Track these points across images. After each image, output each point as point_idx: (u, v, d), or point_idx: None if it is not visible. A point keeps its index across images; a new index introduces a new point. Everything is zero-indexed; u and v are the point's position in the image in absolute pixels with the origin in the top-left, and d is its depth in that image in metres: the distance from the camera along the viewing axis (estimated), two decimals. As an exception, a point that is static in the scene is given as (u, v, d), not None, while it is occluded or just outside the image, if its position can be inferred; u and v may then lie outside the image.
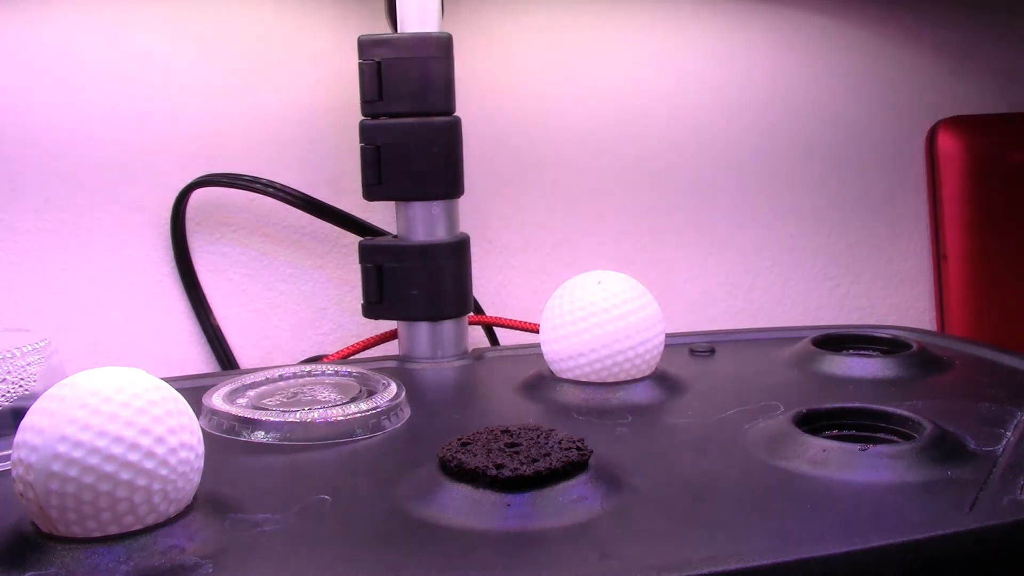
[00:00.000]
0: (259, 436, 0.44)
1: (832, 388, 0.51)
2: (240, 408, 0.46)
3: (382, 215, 0.66)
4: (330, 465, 0.42)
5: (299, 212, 0.65)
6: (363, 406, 0.46)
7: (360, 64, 0.57)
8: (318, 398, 0.48)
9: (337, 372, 0.52)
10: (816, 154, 0.76)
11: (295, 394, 0.49)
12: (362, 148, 0.57)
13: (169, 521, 0.34)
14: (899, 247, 0.79)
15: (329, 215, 0.64)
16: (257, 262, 0.66)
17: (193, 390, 0.47)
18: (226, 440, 0.44)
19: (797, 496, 0.36)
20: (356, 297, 0.64)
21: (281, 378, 0.52)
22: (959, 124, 0.77)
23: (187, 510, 0.35)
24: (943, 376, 0.52)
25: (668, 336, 0.55)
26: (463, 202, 0.62)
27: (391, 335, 0.63)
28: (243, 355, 0.66)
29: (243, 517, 0.36)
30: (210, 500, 0.37)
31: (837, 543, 0.32)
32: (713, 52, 0.73)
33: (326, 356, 0.63)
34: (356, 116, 0.58)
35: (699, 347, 0.59)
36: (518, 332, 0.65)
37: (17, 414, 0.40)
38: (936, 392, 0.49)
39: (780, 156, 0.76)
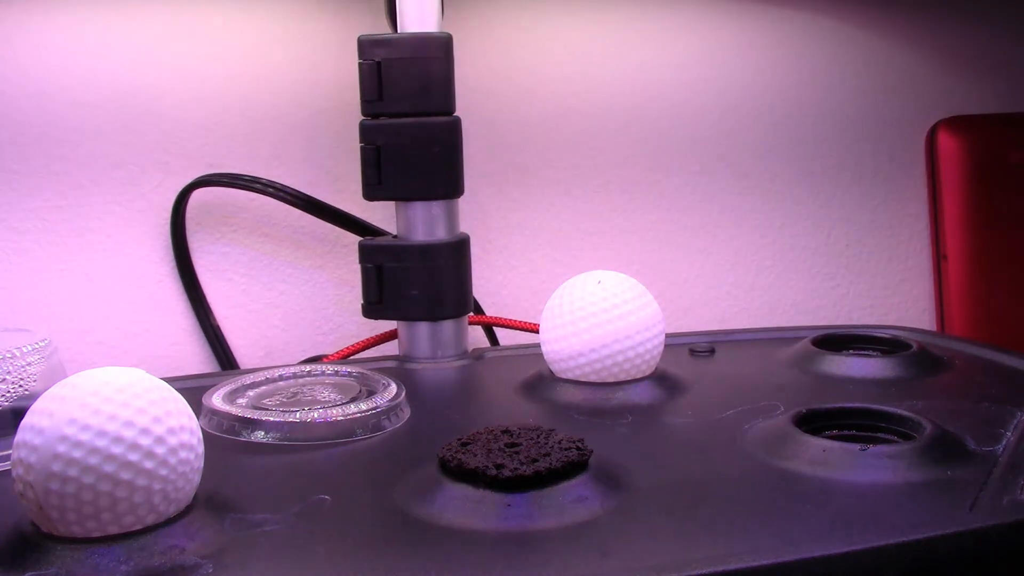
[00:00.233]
0: (259, 436, 0.44)
1: (832, 388, 0.51)
2: (240, 408, 0.46)
3: (382, 215, 0.66)
4: (330, 465, 0.42)
5: (299, 212, 0.65)
6: (363, 406, 0.46)
7: (360, 64, 0.57)
8: (318, 398, 0.48)
9: (337, 372, 0.52)
10: (816, 154, 0.76)
11: (295, 394, 0.49)
12: (362, 148, 0.57)
13: (169, 521, 0.34)
14: (899, 247, 0.79)
15: (329, 215, 0.64)
16: (257, 262, 0.66)
17: (193, 390, 0.47)
18: (226, 440, 0.44)
19: (797, 496, 0.36)
20: (356, 297, 0.64)
21: (281, 378, 0.52)
22: (959, 124, 0.77)
23: (187, 510, 0.35)
24: (943, 376, 0.52)
25: (668, 336, 0.55)
26: (463, 202, 0.62)
27: (391, 335, 0.63)
28: (243, 355, 0.66)
29: (243, 517, 0.36)
30: (210, 500, 0.37)
31: (837, 543, 0.32)
32: (713, 52, 0.73)
33: (326, 356, 0.63)
34: (356, 116, 0.58)
35: (699, 347, 0.59)
36: (518, 332, 0.65)
37: (17, 414, 0.40)
38: (936, 392, 0.49)
39: (780, 156, 0.76)
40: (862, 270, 0.78)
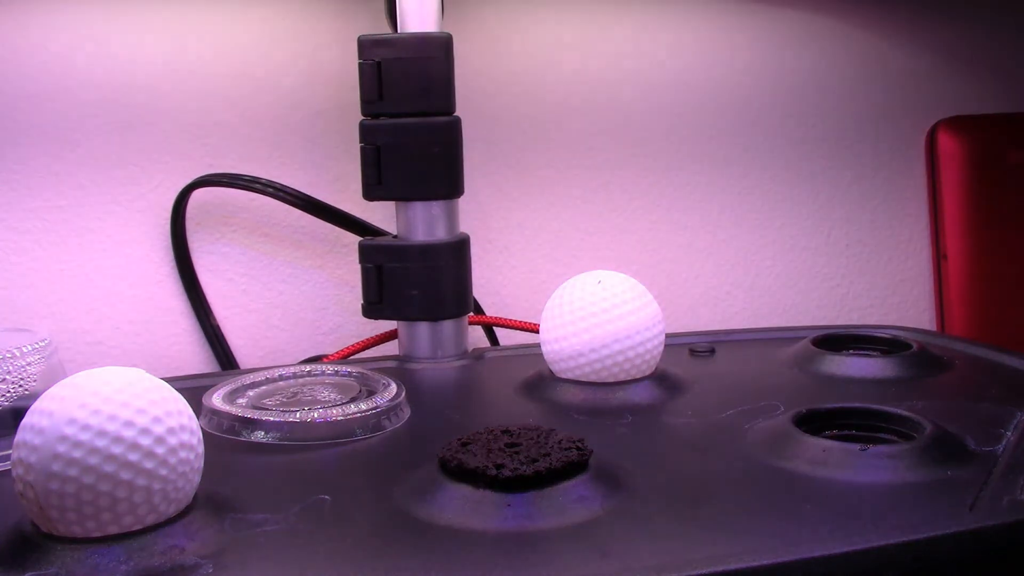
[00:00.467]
0: (259, 436, 0.44)
1: (832, 388, 0.51)
2: (240, 408, 0.46)
3: (382, 215, 0.66)
4: (330, 465, 0.42)
5: (299, 212, 0.65)
6: (363, 406, 0.46)
7: (360, 64, 0.57)
8: (318, 398, 0.48)
9: (337, 372, 0.52)
10: (816, 154, 0.76)
11: (295, 394, 0.49)
12: (362, 148, 0.57)
13: (169, 521, 0.34)
14: (899, 247, 0.79)
15: (329, 215, 0.64)
16: (257, 262, 0.66)
17: (193, 390, 0.47)
18: (226, 440, 0.44)
19: (797, 496, 0.36)
20: (356, 297, 0.64)
21: (281, 378, 0.52)
22: (959, 124, 0.77)
23: (187, 510, 0.35)
24: (943, 376, 0.52)
25: (668, 336, 0.55)
26: (463, 202, 0.62)
27: (391, 335, 0.63)
28: (243, 355, 0.66)
29: (243, 517, 0.36)
30: (210, 500, 0.37)
31: (837, 543, 0.32)
32: (713, 52, 0.73)
33: (326, 356, 0.63)
34: (356, 116, 0.58)
35: (699, 347, 0.59)
36: (518, 332, 0.65)
37: (17, 414, 0.40)
38: (936, 392, 0.49)
39: (780, 156, 0.76)
40: (862, 270, 0.78)
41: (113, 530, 0.33)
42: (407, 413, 0.48)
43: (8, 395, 0.44)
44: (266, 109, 0.65)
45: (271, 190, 0.63)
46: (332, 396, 0.48)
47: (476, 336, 0.67)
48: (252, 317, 0.67)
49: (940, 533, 0.33)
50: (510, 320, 0.65)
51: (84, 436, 0.33)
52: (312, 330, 0.68)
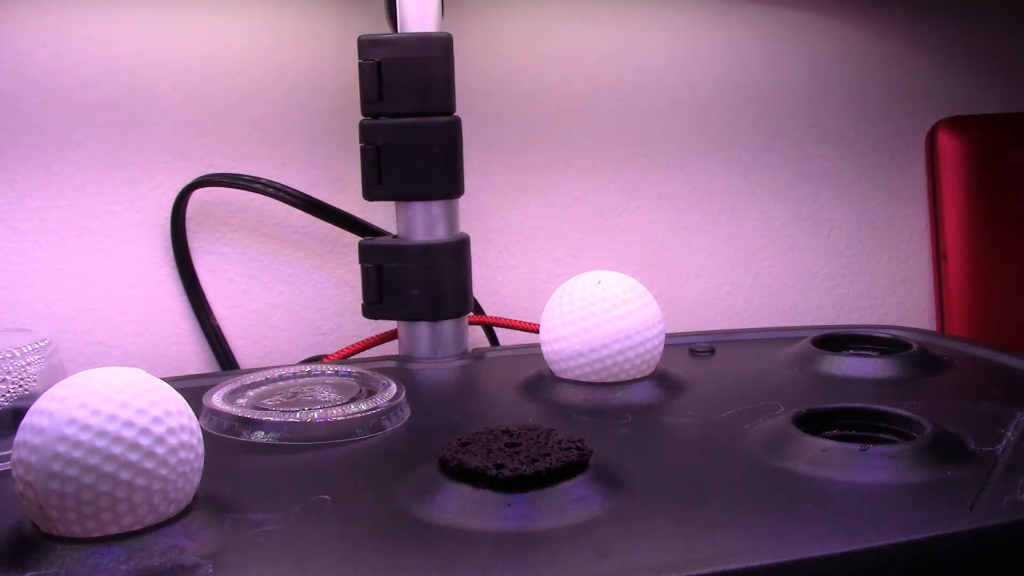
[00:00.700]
0: (259, 436, 0.44)
1: (832, 388, 0.51)
2: (240, 408, 0.46)
3: (382, 215, 0.66)
4: (330, 465, 0.42)
5: (299, 212, 0.65)
6: (363, 406, 0.46)
7: (360, 64, 0.57)
8: (318, 398, 0.48)
9: (337, 372, 0.52)
10: (816, 154, 0.76)
11: (295, 394, 0.49)
12: (362, 148, 0.57)
13: (169, 521, 0.34)
14: (899, 247, 0.79)
15: (329, 215, 0.64)
16: (257, 262, 0.66)
17: (193, 390, 0.47)
18: (226, 440, 0.44)
19: (797, 496, 0.36)
20: (356, 297, 0.64)
21: (281, 378, 0.52)
22: (959, 124, 0.77)
23: (187, 510, 0.35)
24: (943, 376, 0.52)
25: (668, 336, 0.55)
26: (463, 202, 0.62)
27: (391, 335, 0.63)
28: (243, 355, 0.66)
29: (243, 517, 0.36)
30: (210, 500, 0.37)
31: (837, 543, 0.32)
32: (713, 53, 0.73)
33: (326, 356, 0.63)
34: (356, 116, 0.58)
35: (699, 347, 0.59)
36: (518, 332, 0.65)
37: (17, 414, 0.40)
38: (936, 392, 0.49)
39: (780, 156, 0.76)
40: (862, 270, 0.78)
41: (113, 530, 0.33)
42: (407, 413, 0.48)
43: (8, 395, 0.44)
44: (266, 109, 0.65)
45: (271, 190, 0.63)
46: (332, 396, 0.48)
47: (476, 336, 0.67)
48: (252, 317, 0.67)
49: (940, 533, 0.33)
50: (510, 320, 0.65)
51: (84, 436, 0.33)
52: (312, 330, 0.68)
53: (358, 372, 0.52)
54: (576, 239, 0.72)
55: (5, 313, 0.62)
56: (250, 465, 0.42)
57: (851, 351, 0.56)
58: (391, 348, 0.62)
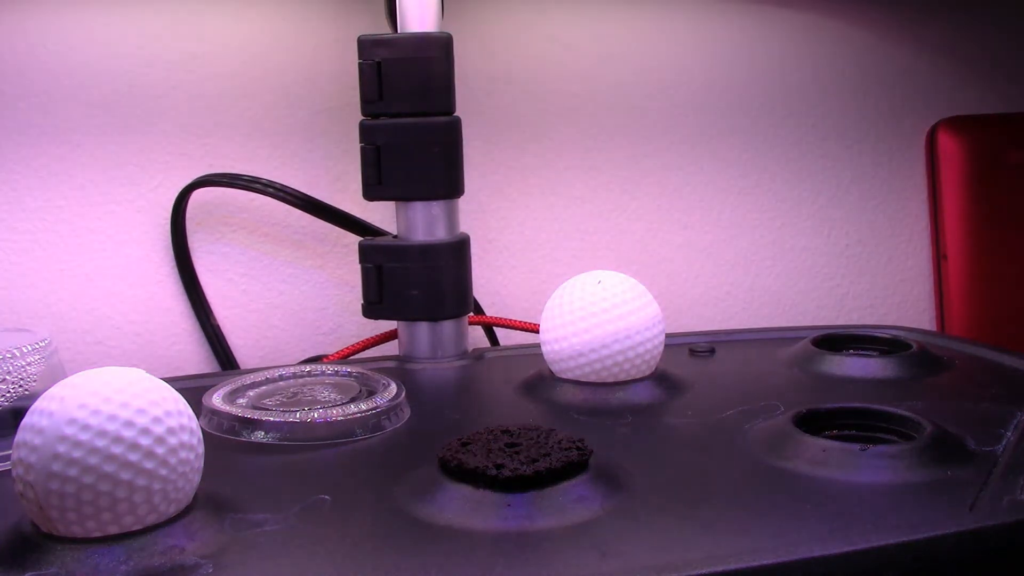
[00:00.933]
0: (259, 436, 0.44)
1: (832, 388, 0.51)
2: (240, 408, 0.46)
3: (382, 215, 0.66)
4: (330, 465, 0.42)
5: (299, 212, 0.65)
6: (363, 406, 0.46)
7: (360, 64, 0.57)
8: (318, 398, 0.48)
9: (337, 372, 0.52)
10: (816, 154, 0.76)
11: (295, 394, 0.49)
12: (362, 148, 0.57)
13: (169, 521, 0.34)
14: (899, 247, 0.79)
15: (329, 215, 0.64)
16: (257, 262, 0.66)
17: (193, 390, 0.47)
18: (226, 440, 0.44)
19: (797, 496, 0.36)
20: (356, 297, 0.64)
21: (281, 378, 0.52)
22: (959, 124, 0.77)
23: (187, 510, 0.35)
24: (943, 376, 0.52)
25: (668, 336, 0.55)
26: (463, 202, 0.62)
27: (391, 335, 0.63)
28: (243, 355, 0.66)
29: (243, 517, 0.36)
30: (210, 500, 0.37)
31: (837, 543, 0.32)
32: (713, 53, 0.73)
33: (326, 356, 0.63)
34: (356, 116, 0.58)
35: (699, 347, 0.59)
36: (518, 332, 0.65)
37: (17, 414, 0.40)
38: (936, 392, 0.49)
39: (780, 156, 0.76)
40: (862, 270, 0.78)
41: (113, 530, 0.33)
42: (407, 413, 0.48)
43: (8, 395, 0.44)
44: (266, 109, 0.65)
45: (271, 190, 0.63)
46: (332, 396, 0.48)
47: (476, 336, 0.67)
48: (252, 317, 0.67)
49: (940, 533, 0.33)
50: (510, 320, 0.65)
51: (84, 436, 0.33)
52: (312, 330, 0.68)
53: (358, 372, 0.52)
54: (576, 239, 0.72)
55: (5, 313, 0.62)
56: (250, 465, 0.42)
57: (851, 351, 0.56)
58: (391, 348, 0.62)
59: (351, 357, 0.62)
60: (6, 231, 0.62)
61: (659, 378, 0.51)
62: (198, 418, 0.38)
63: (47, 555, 0.33)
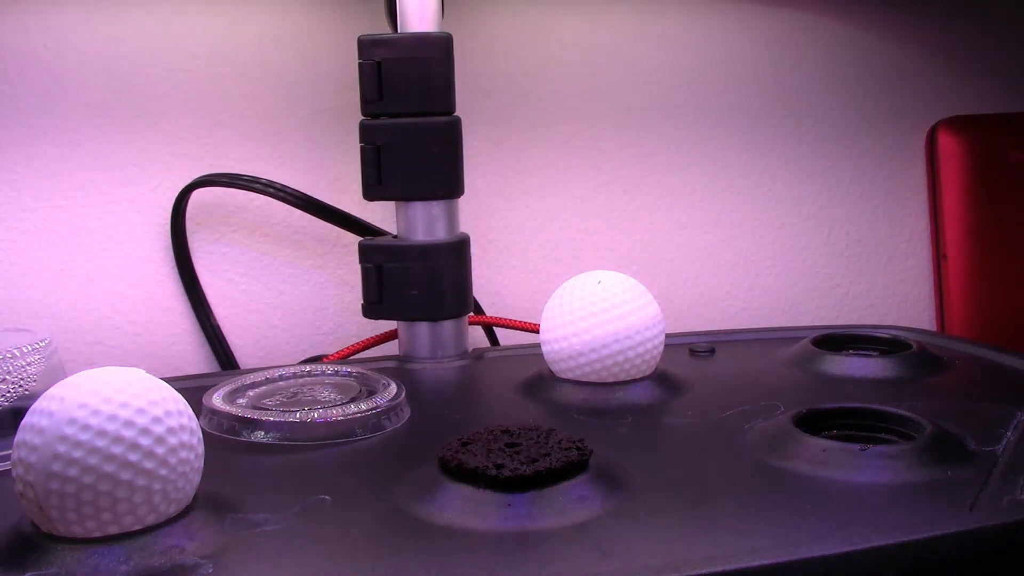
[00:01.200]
0: (259, 436, 0.44)
1: (832, 388, 0.51)
2: (240, 408, 0.46)
3: (382, 215, 0.66)
4: (330, 465, 0.42)
5: (299, 212, 0.65)
6: (363, 406, 0.46)
7: (360, 64, 0.57)
8: (318, 398, 0.48)
9: (337, 372, 0.52)
10: (816, 154, 0.76)
11: (295, 394, 0.49)
12: (362, 148, 0.57)
13: (169, 521, 0.34)
14: (899, 247, 0.79)
15: (329, 215, 0.64)
16: (257, 262, 0.66)
17: (193, 390, 0.47)
18: (226, 440, 0.44)
19: (797, 496, 0.36)
20: (356, 297, 0.64)
21: (281, 378, 0.52)
22: (959, 124, 0.77)
23: (187, 510, 0.35)
24: (943, 376, 0.52)
25: (668, 336, 0.55)
26: (463, 202, 0.62)
27: (391, 335, 0.63)
28: (243, 355, 0.66)
29: (243, 517, 0.36)
30: (210, 500, 0.37)
31: (837, 543, 0.32)
32: (713, 53, 0.73)
33: (326, 356, 0.63)
34: (356, 116, 0.58)
35: (699, 347, 0.59)
36: (518, 332, 0.65)
37: (17, 414, 0.40)
38: (936, 392, 0.49)
39: (780, 156, 0.76)
40: (862, 270, 0.78)
41: (113, 530, 0.33)
42: (407, 413, 0.48)
43: (8, 395, 0.44)
44: (266, 109, 0.65)
45: (271, 190, 0.63)
46: (332, 396, 0.48)
47: (476, 336, 0.67)
48: (252, 317, 0.67)
49: (940, 533, 0.33)
50: (510, 320, 0.65)
51: (84, 436, 0.33)
52: (312, 330, 0.68)
53: (358, 372, 0.52)
54: (576, 239, 0.72)
55: (5, 313, 0.62)
56: (250, 465, 0.42)
57: (851, 351, 0.56)
58: (391, 348, 0.62)
59: (351, 357, 0.62)
60: (6, 231, 0.62)
61: (659, 378, 0.51)
62: (198, 418, 0.38)
63: (47, 555, 0.33)
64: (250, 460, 0.43)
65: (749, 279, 0.76)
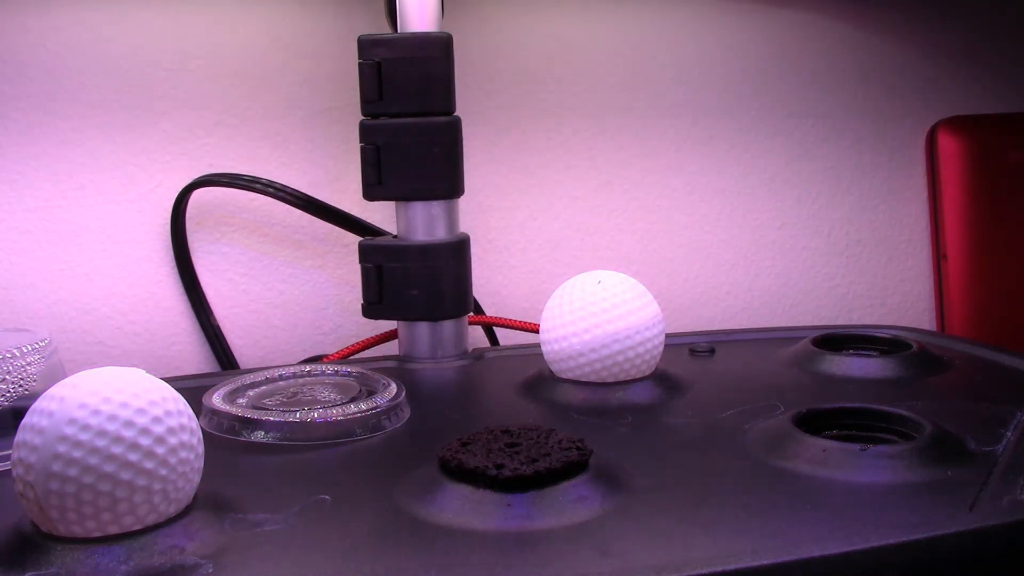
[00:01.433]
0: (259, 436, 0.44)
1: (832, 388, 0.51)
2: (240, 408, 0.46)
3: (382, 215, 0.66)
4: (330, 465, 0.42)
5: (299, 212, 0.65)
6: (363, 406, 0.46)
7: (360, 64, 0.57)
8: (318, 398, 0.48)
9: (337, 372, 0.52)
10: (816, 154, 0.76)
11: (295, 394, 0.49)
12: (362, 148, 0.57)
13: (169, 521, 0.34)
14: (899, 247, 0.79)
15: (329, 215, 0.64)
16: (257, 262, 0.66)
17: (193, 390, 0.47)
18: (226, 440, 0.44)
19: (797, 496, 0.36)
20: (356, 297, 0.64)
21: (281, 378, 0.52)
22: (959, 124, 0.77)
23: (187, 510, 0.35)
24: (943, 376, 0.52)
25: (668, 336, 0.55)
26: (463, 202, 0.62)
27: (391, 335, 0.63)
28: (243, 355, 0.66)
29: (243, 517, 0.36)
30: (210, 500, 0.37)
31: (837, 543, 0.32)
32: (713, 53, 0.73)
33: (326, 356, 0.63)
34: (356, 116, 0.58)
35: (699, 347, 0.59)
36: (518, 332, 0.65)
37: (17, 414, 0.40)
38: (936, 392, 0.49)
39: (780, 156, 0.76)
40: (862, 270, 0.78)
41: (113, 530, 0.33)
42: (407, 413, 0.48)
43: (8, 395, 0.44)
44: (266, 109, 0.65)
45: (271, 190, 0.63)
46: (332, 396, 0.48)
47: (476, 336, 0.67)
48: (252, 317, 0.67)
49: (940, 533, 0.33)
50: (510, 320, 0.65)
51: (84, 436, 0.33)
52: (312, 330, 0.68)
53: (358, 372, 0.52)
54: (576, 239, 0.72)
55: (5, 313, 0.62)
56: (250, 465, 0.42)
57: (851, 351, 0.56)
58: (391, 348, 0.62)
59: (351, 357, 0.62)
60: (6, 231, 0.62)
61: (659, 378, 0.51)
62: (198, 418, 0.38)
63: (47, 555, 0.33)
64: (250, 460, 0.43)
65: (749, 279, 0.76)
